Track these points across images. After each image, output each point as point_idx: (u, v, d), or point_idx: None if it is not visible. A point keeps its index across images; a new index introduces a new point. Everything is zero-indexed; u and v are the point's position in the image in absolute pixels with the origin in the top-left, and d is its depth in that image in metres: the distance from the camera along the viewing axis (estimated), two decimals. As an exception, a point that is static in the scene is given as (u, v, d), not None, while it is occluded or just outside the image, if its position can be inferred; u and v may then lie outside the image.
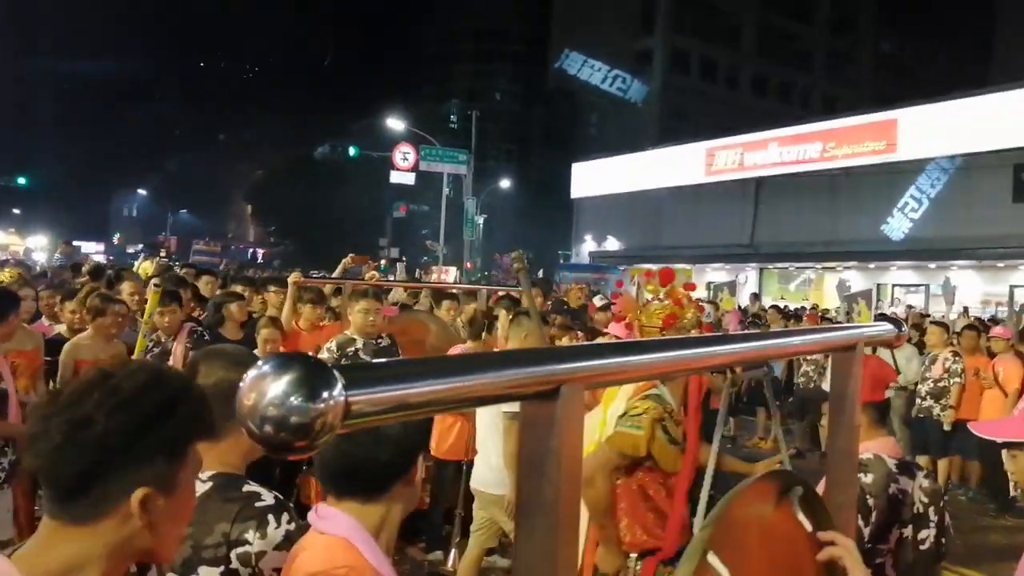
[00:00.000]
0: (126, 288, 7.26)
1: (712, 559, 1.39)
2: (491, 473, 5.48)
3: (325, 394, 0.70)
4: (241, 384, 0.73)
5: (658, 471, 3.69)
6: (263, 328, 6.32)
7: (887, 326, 2.04)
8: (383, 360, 0.87)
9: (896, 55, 66.89)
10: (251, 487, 2.14)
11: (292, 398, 0.70)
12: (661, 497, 3.71)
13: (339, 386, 0.71)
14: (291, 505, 2.19)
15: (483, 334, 6.36)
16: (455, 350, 6.48)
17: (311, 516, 1.86)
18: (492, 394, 0.88)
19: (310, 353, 5.83)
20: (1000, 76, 40.30)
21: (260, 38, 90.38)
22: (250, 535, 2.03)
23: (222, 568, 2.02)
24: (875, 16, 66.41)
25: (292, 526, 2.09)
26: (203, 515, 2.02)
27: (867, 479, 2.84)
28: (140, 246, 54.17)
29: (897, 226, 29.54)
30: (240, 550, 2.02)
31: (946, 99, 28.01)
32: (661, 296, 4.11)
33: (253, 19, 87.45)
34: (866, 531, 2.77)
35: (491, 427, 5.50)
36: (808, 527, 1.66)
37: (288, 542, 2.04)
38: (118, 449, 1.30)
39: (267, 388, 0.70)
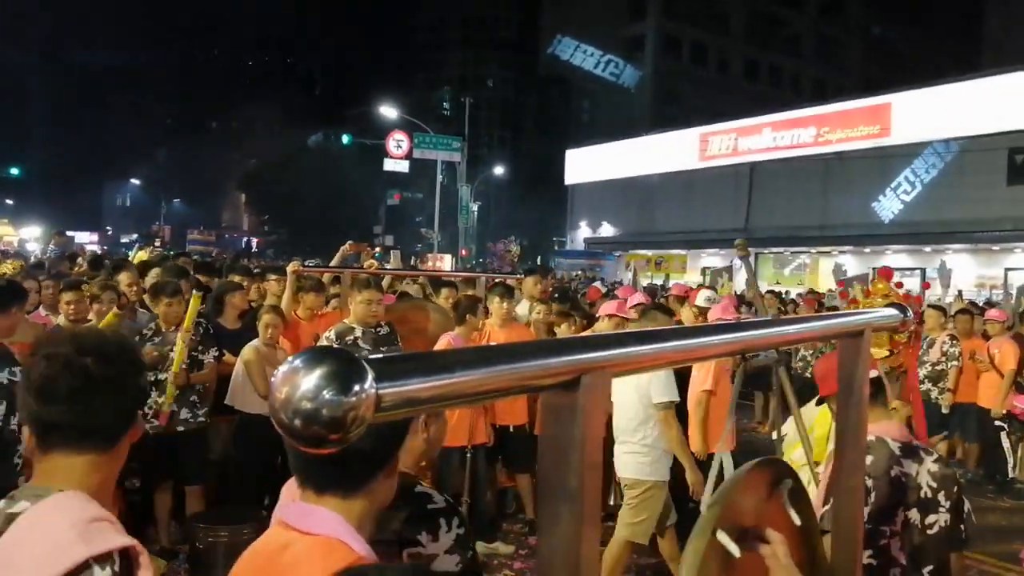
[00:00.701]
0: (124, 279, 7.27)
1: (722, 536, 1.40)
2: (630, 458, 5.63)
3: (357, 387, 0.70)
4: (273, 378, 0.73)
5: None
6: (265, 314, 6.40)
7: (893, 311, 2.04)
8: (412, 353, 0.86)
9: (885, 39, 66.72)
10: (423, 488, 2.16)
11: (324, 392, 0.70)
12: None
13: (370, 379, 0.71)
14: (461, 509, 2.19)
15: (467, 316, 6.58)
16: (445, 338, 6.51)
17: (286, 512, 1.74)
18: (517, 384, 0.89)
19: (310, 342, 5.84)
20: (991, 60, 40.32)
21: (252, 26, 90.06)
22: (423, 537, 2.04)
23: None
24: (864, 0, 66.37)
25: (462, 530, 2.10)
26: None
27: (867, 460, 2.85)
28: (134, 236, 54.11)
29: (888, 205, 29.57)
30: (411, 550, 2.03)
31: (940, 83, 28.04)
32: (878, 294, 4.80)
33: (245, 7, 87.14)
34: (864, 512, 2.79)
35: (632, 417, 5.60)
36: (797, 521, 1.66)
37: (459, 546, 2.07)
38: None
39: (299, 382, 0.71)
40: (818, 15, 65.58)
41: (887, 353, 4.76)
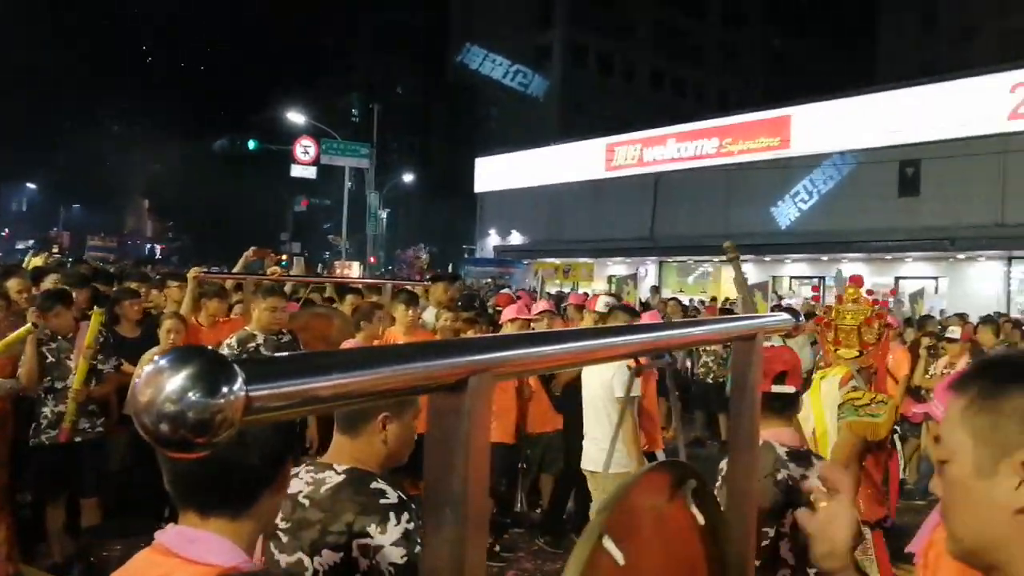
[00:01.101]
0: (13, 285, 7.02)
1: (607, 543, 1.39)
2: (600, 453, 5.86)
3: (225, 389, 0.67)
4: (137, 380, 0.70)
5: (879, 454, 4.40)
6: (167, 320, 6.33)
7: (785, 316, 2.09)
8: (285, 354, 0.84)
9: (786, 51, 68.47)
10: (379, 484, 2.31)
11: (190, 393, 0.67)
12: (879, 475, 4.51)
13: (239, 380, 0.68)
14: (413, 506, 2.34)
15: (361, 323, 6.71)
16: (348, 344, 6.48)
17: (165, 537, 1.56)
18: (400, 386, 0.87)
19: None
20: (884, 75, 41.68)
21: (157, 28, 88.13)
22: (371, 529, 2.20)
23: (342, 554, 2.20)
24: (764, 12, 68.01)
25: (411, 525, 2.24)
26: (333, 504, 2.26)
27: None
28: (31, 242, 52.44)
29: (786, 213, 30.29)
30: (360, 541, 2.19)
31: (837, 97, 28.86)
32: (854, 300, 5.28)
33: (149, 8, 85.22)
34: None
35: (599, 410, 5.98)
36: (700, 520, 1.68)
37: (406, 540, 2.21)
38: None
39: (164, 383, 0.67)
40: (721, 26, 66.92)
41: (857, 353, 5.01)
